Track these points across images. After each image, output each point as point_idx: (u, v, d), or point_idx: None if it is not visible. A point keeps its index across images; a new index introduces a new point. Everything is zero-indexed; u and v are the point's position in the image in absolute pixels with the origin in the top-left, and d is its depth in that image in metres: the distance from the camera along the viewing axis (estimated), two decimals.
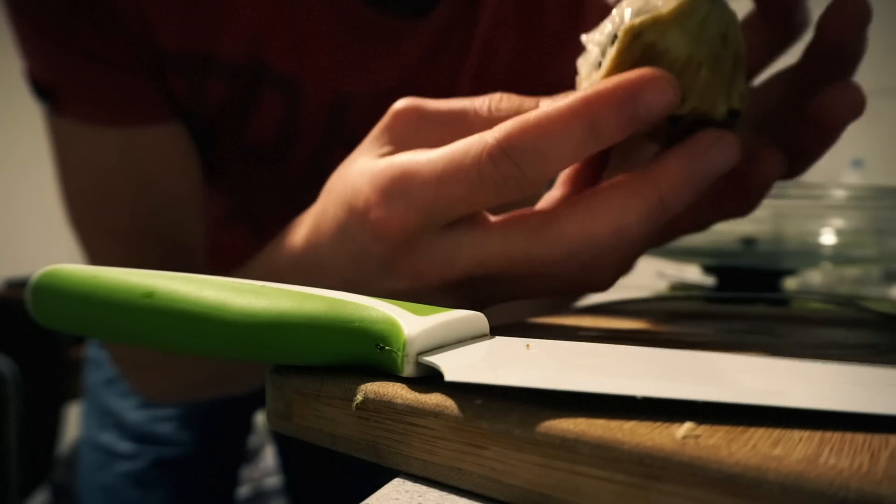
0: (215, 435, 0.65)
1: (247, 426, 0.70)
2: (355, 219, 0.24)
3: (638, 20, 0.21)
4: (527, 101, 0.24)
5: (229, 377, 0.43)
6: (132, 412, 0.62)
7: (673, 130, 0.23)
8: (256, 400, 0.68)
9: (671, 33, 0.21)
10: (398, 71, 0.45)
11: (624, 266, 0.26)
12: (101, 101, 0.38)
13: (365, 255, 0.25)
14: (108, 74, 0.38)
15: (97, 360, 0.65)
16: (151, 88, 0.39)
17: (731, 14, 0.21)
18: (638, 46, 0.21)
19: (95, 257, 0.42)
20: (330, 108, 0.44)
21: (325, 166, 0.32)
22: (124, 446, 0.61)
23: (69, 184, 0.41)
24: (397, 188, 0.23)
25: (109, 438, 0.62)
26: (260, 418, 1.02)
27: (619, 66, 0.22)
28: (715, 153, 0.21)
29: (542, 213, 0.23)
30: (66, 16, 0.36)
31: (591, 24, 0.52)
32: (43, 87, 0.38)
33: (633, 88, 0.20)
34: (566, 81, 0.53)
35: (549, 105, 0.21)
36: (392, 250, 0.24)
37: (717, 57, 0.21)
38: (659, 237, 0.29)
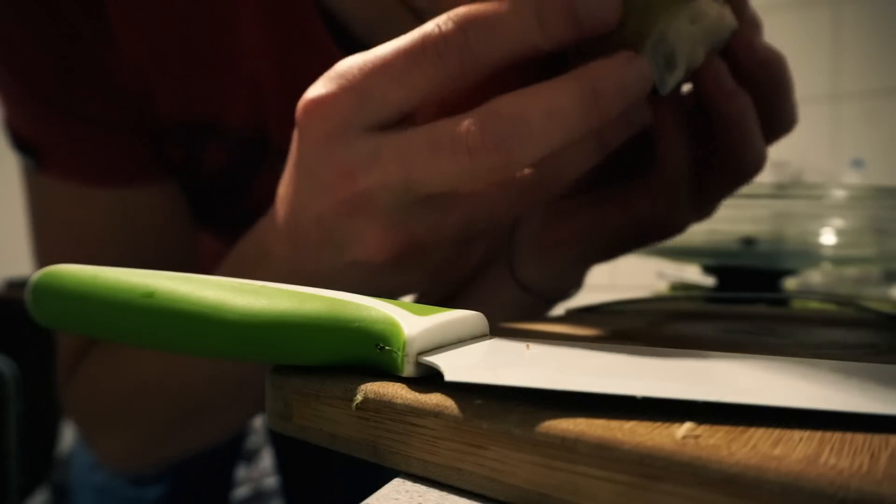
0: None
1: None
2: (297, 116, 0.24)
3: None
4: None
5: (198, 432, 0.40)
6: None
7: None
8: None
9: None
10: None
11: (545, 174, 0.24)
12: (90, 161, 0.36)
13: (295, 158, 0.24)
14: (99, 135, 0.36)
15: None
16: (145, 149, 0.38)
17: None
18: None
19: None
20: None
21: None
22: None
23: (47, 243, 0.39)
24: (339, 68, 0.22)
25: None
26: (259, 418, 1.01)
27: None
28: (638, 65, 0.21)
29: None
30: (63, 80, 0.35)
31: None
32: (26, 143, 0.36)
33: None
34: None
35: None
36: (311, 142, 0.23)
37: (628, 18, 0.22)
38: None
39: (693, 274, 0.65)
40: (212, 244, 0.53)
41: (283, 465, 0.75)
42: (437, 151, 0.21)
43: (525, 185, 0.23)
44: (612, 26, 0.22)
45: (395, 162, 0.21)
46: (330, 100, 0.22)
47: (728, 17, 0.24)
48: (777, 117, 0.27)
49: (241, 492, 1.49)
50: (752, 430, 0.13)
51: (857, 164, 1.60)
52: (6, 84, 0.35)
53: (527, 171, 0.23)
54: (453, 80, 0.21)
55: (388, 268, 0.25)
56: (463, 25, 0.20)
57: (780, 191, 0.42)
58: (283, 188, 0.26)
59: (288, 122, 0.39)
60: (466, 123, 0.20)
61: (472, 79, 0.21)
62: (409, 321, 0.18)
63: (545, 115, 0.20)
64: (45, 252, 0.39)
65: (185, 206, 0.41)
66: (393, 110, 0.22)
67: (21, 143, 0.37)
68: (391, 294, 0.27)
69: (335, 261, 0.25)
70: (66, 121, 0.35)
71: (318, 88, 0.22)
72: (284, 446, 0.73)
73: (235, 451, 0.70)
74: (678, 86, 0.26)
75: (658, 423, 0.13)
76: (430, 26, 0.21)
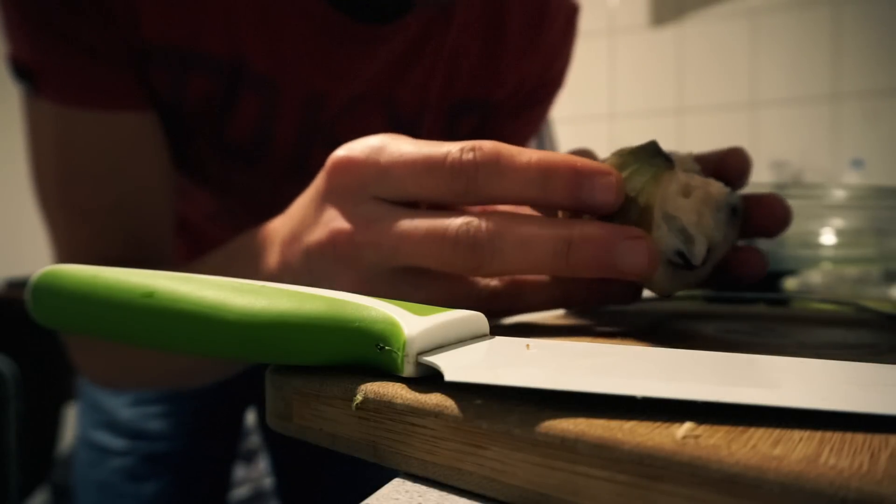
0: (205, 431, 0.66)
1: (237, 422, 0.71)
2: (327, 163, 0.27)
3: None
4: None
5: (179, 372, 0.44)
6: (124, 410, 0.63)
7: None
8: (246, 397, 0.69)
9: None
10: (372, 74, 0.46)
11: (508, 293, 0.27)
12: (78, 84, 0.39)
13: (314, 192, 0.28)
14: (87, 60, 0.39)
15: None
16: (129, 77, 0.41)
17: (654, 169, 0.24)
18: None
19: (59, 232, 0.43)
20: (304, 108, 0.45)
21: (304, 168, 0.33)
22: (117, 443, 0.62)
23: (40, 161, 0.43)
24: (374, 142, 0.26)
25: (102, 436, 0.63)
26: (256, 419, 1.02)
27: None
28: (633, 246, 0.23)
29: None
30: (57, 4, 0.38)
31: (549, 33, 0.53)
32: (24, 69, 0.40)
33: (588, 171, 0.23)
34: (523, 86, 0.53)
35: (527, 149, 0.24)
36: (331, 188, 0.26)
37: (626, 209, 0.24)
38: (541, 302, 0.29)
39: None
40: (217, 236, 0.54)
41: (278, 466, 0.75)
42: (429, 235, 0.24)
43: (486, 295, 0.27)
44: (609, 211, 0.24)
45: (392, 231, 0.25)
46: (357, 164, 0.26)
47: (715, 185, 0.26)
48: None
49: (241, 492, 1.49)
50: (752, 430, 0.13)
51: (857, 164, 1.60)
52: (7, 9, 0.38)
53: (494, 282, 0.27)
54: (457, 197, 0.24)
55: None
56: (479, 162, 0.23)
57: (780, 191, 0.42)
58: (295, 210, 0.29)
59: (264, 51, 0.42)
60: (458, 222, 0.24)
61: (474, 202, 0.24)
62: (409, 321, 0.18)
63: (519, 242, 0.23)
64: (38, 170, 0.43)
65: (163, 142, 0.44)
66: (403, 196, 0.25)
67: (20, 71, 0.40)
68: None
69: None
70: (57, 44, 0.38)
71: (355, 150, 0.26)
72: (279, 447, 0.73)
73: (231, 446, 0.70)
74: (712, 258, 0.27)
75: (658, 423, 0.13)
76: (456, 148, 0.24)
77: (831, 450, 0.12)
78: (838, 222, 0.44)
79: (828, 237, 0.45)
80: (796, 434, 0.13)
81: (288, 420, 0.19)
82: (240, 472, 1.44)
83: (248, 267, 0.31)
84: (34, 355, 1.34)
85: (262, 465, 1.58)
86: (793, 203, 0.42)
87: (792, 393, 0.14)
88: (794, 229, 0.45)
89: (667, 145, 0.29)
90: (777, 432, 0.13)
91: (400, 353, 0.17)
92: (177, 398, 0.64)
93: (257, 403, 0.71)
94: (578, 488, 0.13)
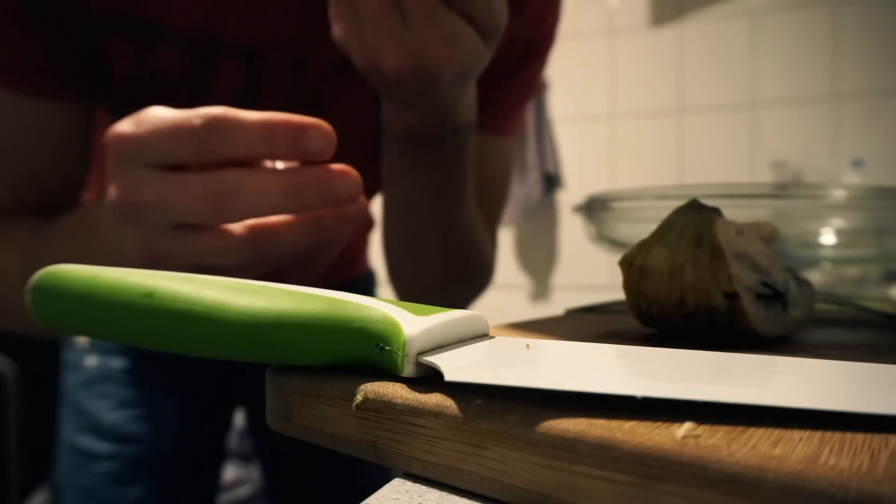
0: (191, 433, 0.64)
1: (225, 424, 0.69)
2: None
3: (629, 251, 0.26)
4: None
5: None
6: (109, 413, 0.61)
7: (688, 324, 0.26)
8: (235, 398, 0.68)
9: (653, 252, 0.25)
10: None
11: (262, 237, 0.29)
12: (8, 64, 0.38)
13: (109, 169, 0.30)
14: (15, 37, 0.38)
15: (74, 363, 0.65)
16: (60, 63, 0.40)
17: (705, 217, 0.25)
18: (635, 271, 0.26)
19: None
20: (289, 75, 0.44)
21: None
22: (102, 447, 0.61)
23: None
24: (139, 115, 0.28)
25: (87, 440, 0.62)
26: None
27: (628, 290, 0.26)
28: (343, 176, 0.28)
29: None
30: None
31: (532, 18, 0.51)
32: None
33: (303, 125, 0.27)
34: (513, 49, 0.52)
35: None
36: (111, 163, 0.29)
37: (695, 257, 0.24)
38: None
39: None
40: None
41: (267, 471, 0.74)
42: (179, 191, 0.27)
43: (240, 242, 0.29)
44: (325, 157, 0.28)
45: (153, 191, 0.28)
46: (122, 137, 0.28)
47: (765, 226, 0.28)
48: None
49: (240, 491, 1.49)
50: (752, 430, 0.13)
51: (857, 164, 1.60)
52: None
53: (243, 232, 0.29)
54: (195, 158, 0.27)
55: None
56: (204, 124, 0.27)
57: (780, 191, 0.42)
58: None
59: (238, 19, 0.40)
60: (201, 178, 0.27)
61: (212, 160, 0.27)
62: (409, 321, 0.18)
63: (255, 190, 0.27)
64: None
65: (87, 131, 0.44)
66: (162, 160, 0.28)
67: None
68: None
69: (119, 249, 0.31)
70: None
71: (121, 124, 0.29)
72: (269, 452, 0.72)
73: (220, 449, 0.69)
74: (805, 300, 0.28)
75: (658, 423, 0.13)
76: (190, 115, 0.27)
77: (831, 450, 0.12)
78: (838, 222, 0.44)
79: (828, 237, 0.45)
80: (796, 434, 0.13)
81: (288, 420, 0.19)
82: (240, 472, 1.44)
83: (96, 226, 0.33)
84: (34, 355, 1.34)
85: None
86: (793, 203, 0.42)
87: (792, 393, 0.14)
88: (794, 229, 0.45)
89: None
90: (777, 432, 0.13)
91: (400, 353, 0.17)
92: (162, 400, 0.62)
93: (247, 405, 0.70)
94: (578, 488, 0.13)
